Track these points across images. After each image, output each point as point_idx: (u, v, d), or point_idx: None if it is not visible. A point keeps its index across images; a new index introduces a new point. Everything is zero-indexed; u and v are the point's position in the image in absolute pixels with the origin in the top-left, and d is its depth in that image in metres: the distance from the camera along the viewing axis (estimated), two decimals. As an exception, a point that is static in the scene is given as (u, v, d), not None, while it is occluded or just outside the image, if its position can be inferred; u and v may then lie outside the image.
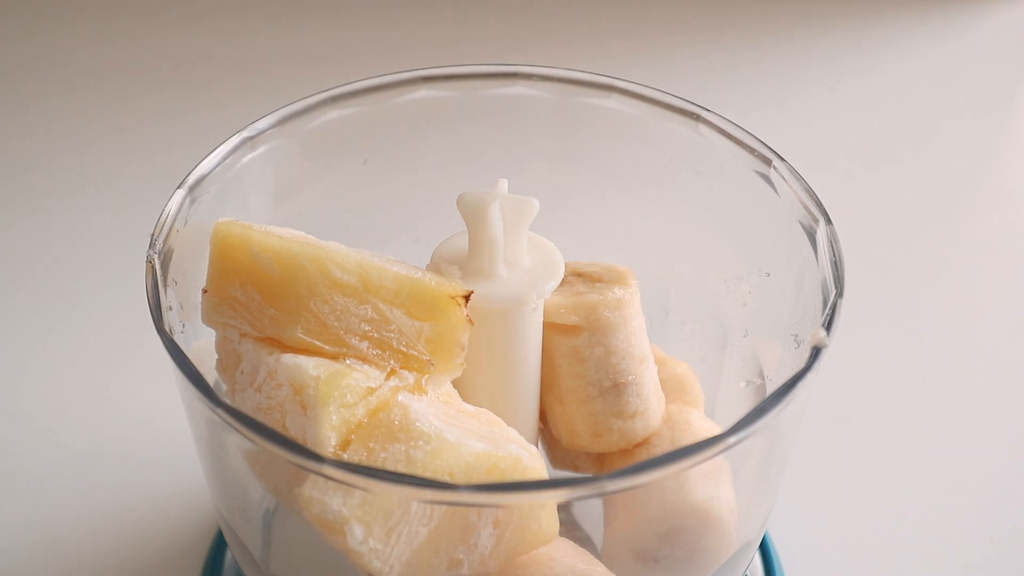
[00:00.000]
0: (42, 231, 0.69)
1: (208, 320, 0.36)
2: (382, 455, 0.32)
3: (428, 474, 0.32)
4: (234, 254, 0.35)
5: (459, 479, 0.33)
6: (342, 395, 0.33)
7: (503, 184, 0.38)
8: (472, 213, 0.38)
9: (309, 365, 0.33)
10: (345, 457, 0.32)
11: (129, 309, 0.62)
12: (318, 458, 0.31)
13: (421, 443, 0.33)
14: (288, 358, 0.33)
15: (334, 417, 0.33)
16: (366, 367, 0.34)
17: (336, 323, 0.34)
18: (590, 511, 0.41)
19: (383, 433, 0.33)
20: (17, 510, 0.52)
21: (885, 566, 0.50)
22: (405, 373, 0.35)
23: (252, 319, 0.35)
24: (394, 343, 0.35)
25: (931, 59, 0.87)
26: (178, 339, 0.37)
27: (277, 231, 0.36)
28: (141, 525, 0.51)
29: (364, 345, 0.35)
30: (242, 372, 0.35)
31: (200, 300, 0.37)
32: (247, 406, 0.35)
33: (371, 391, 0.34)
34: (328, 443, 0.32)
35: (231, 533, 0.41)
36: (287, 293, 0.34)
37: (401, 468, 0.32)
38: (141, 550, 0.50)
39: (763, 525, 0.41)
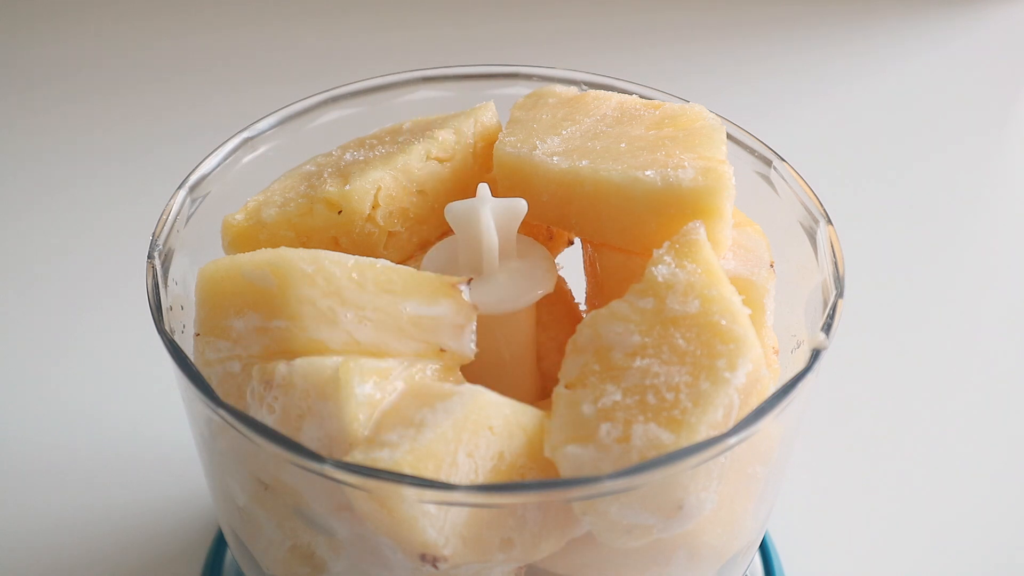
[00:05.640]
0: (43, 231, 0.70)
1: (203, 361, 0.36)
2: (418, 417, 0.32)
3: (469, 427, 0.32)
4: (225, 285, 0.34)
5: (499, 433, 0.32)
6: (363, 378, 0.33)
7: (484, 188, 0.38)
8: (464, 221, 0.38)
9: (325, 360, 0.33)
10: (378, 439, 0.32)
11: (129, 309, 0.62)
12: (318, 458, 0.31)
13: (456, 398, 0.32)
14: (301, 360, 0.33)
15: (358, 393, 0.32)
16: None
17: (344, 319, 0.34)
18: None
19: (414, 403, 0.33)
20: (18, 510, 0.52)
21: (884, 566, 0.51)
22: (419, 361, 0.35)
23: (253, 342, 0.34)
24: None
25: (931, 59, 0.87)
26: (178, 339, 0.37)
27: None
28: (141, 525, 0.51)
29: (375, 338, 0.34)
30: (251, 393, 0.35)
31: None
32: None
33: (391, 371, 0.34)
34: (358, 425, 0.32)
35: (231, 533, 0.41)
36: (288, 299, 0.33)
37: (441, 422, 0.31)
38: (141, 550, 0.50)
39: (763, 525, 0.41)
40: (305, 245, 0.39)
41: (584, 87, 0.45)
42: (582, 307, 0.43)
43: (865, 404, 0.58)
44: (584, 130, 0.40)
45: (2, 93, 0.81)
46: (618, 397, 0.32)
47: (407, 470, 0.30)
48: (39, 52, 0.85)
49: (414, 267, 0.38)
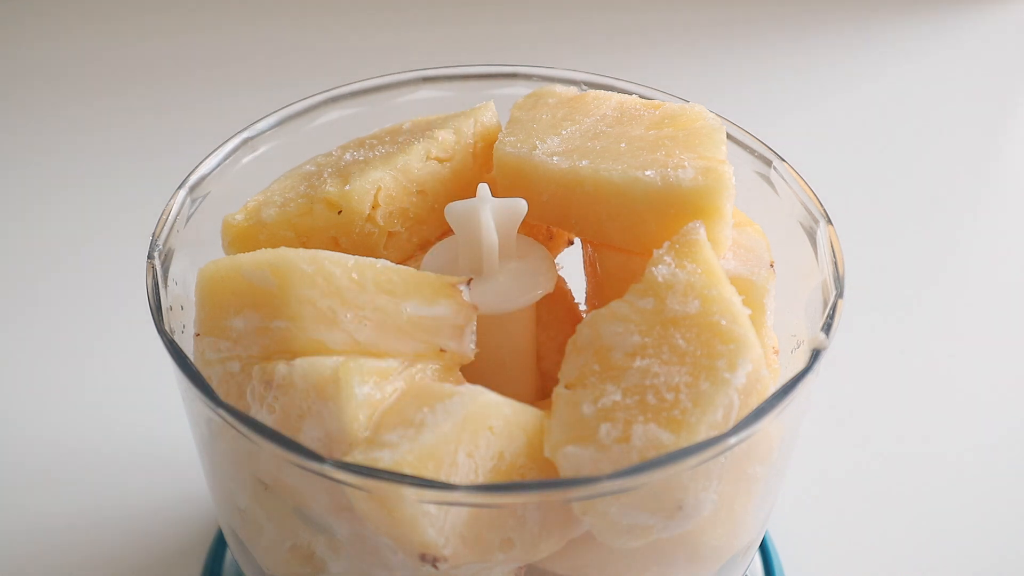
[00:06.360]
0: (43, 231, 0.70)
1: (203, 361, 0.36)
2: (418, 418, 0.32)
3: (470, 428, 0.32)
4: (225, 285, 0.34)
5: (499, 433, 0.32)
6: (363, 378, 0.33)
7: (484, 188, 0.38)
8: (464, 221, 0.38)
9: (325, 360, 0.33)
10: (378, 439, 0.32)
11: (129, 309, 0.62)
12: (318, 458, 0.31)
13: (456, 398, 0.32)
14: (301, 360, 0.33)
15: (358, 393, 0.32)
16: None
17: (343, 319, 0.34)
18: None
19: (414, 404, 0.33)
20: (18, 510, 0.52)
21: (885, 566, 0.51)
22: (419, 361, 0.35)
23: (253, 342, 0.34)
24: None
25: (931, 59, 0.87)
26: (178, 339, 0.37)
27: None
28: (141, 525, 0.51)
29: (375, 338, 0.34)
30: (251, 393, 0.35)
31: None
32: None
33: (391, 371, 0.34)
34: (358, 425, 0.32)
35: (231, 533, 0.41)
36: (289, 299, 0.34)
37: (441, 422, 0.32)
38: (141, 550, 0.50)
39: (763, 525, 0.41)
40: (305, 245, 0.39)
41: (584, 87, 0.45)
42: (582, 307, 0.43)
43: (865, 404, 0.58)
44: (584, 130, 0.40)
45: (2, 93, 0.81)
46: (618, 397, 0.32)
47: (407, 470, 0.30)
48: (39, 52, 0.85)
49: (414, 267, 0.38)
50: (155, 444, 0.55)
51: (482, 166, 0.42)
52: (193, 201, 0.41)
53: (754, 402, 0.33)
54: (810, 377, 0.34)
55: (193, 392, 0.34)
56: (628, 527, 0.33)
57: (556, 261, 0.42)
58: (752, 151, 0.43)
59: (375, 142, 0.42)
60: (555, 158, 0.38)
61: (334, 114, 0.46)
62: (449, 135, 0.41)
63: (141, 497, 0.53)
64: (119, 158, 0.75)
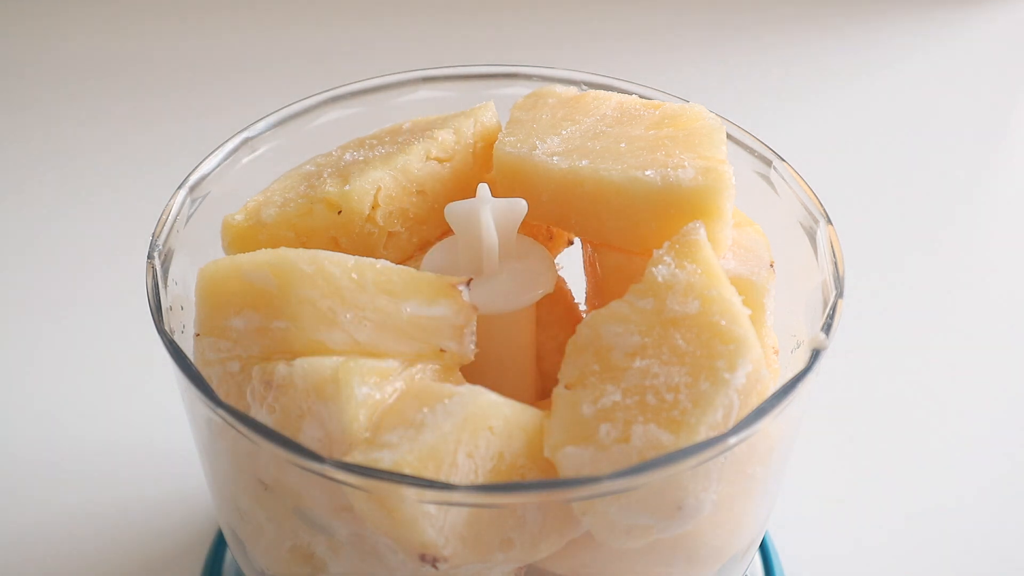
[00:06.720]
0: (43, 232, 0.70)
1: (203, 361, 0.36)
2: (418, 418, 0.32)
3: (469, 427, 0.32)
4: (225, 286, 0.34)
5: (499, 433, 0.32)
6: (363, 378, 0.33)
7: (484, 188, 0.38)
8: (464, 221, 0.38)
9: (324, 361, 0.33)
10: (378, 439, 0.32)
11: (129, 309, 0.62)
12: (318, 458, 0.31)
13: (456, 398, 0.32)
14: (301, 360, 0.33)
15: (357, 393, 0.32)
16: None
17: (343, 319, 0.34)
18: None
19: (414, 404, 0.33)
20: (18, 510, 0.52)
21: (885, 566, 0.51)
22: (419, 362, 0.35)
23: (253, 342, 0.34)
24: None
25: (931, 59, 0.87)
26: (178, 339, 0.37)
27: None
28: (141, 525, 0.51)
29: (375, 338, 0.34)
30: (251, 393, 0.35)
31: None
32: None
33: (391, 372, 0.34)
34: (358, 425, 0.32)
35: (231, 533, 0.41)
36: (289, 300, 0.34)
37: (441, 422, 0.32)
38: (141, 550, 0.50)
39: (763, 525, 0.41)
40: (305, 245, 0.39)
41: (584, 87, 0.45)
42: (582, 307, 0.43)
43: (865, 404, 0.58)
44: (584, 130, 0.40)
45: (2, 93, 0.81)
46: (618, 397, 0.32)
47: (407, 470, 0.30)
48: (39, 52, 0.85)
49: (414, 267, 0.38)
50: (155, 444, 0.55)
51: (482, 166, 0.42)
52: (193, 201, 0.41)
53: (754, 402, 0.33)
54: (810, 377, 0.34)
55: (193, 392, 0.34)
56: (628, 527, 0.33)
57: (556, 261, 0.42)
58: (752, 151, 0.43)
59: (375, 142, 0.42)
60: (555, 158, 0.38)
61: (334, 114, 0.46)
62: (449, 135, 0.41)
63: (141, 497, 0.53)
64: (119, 158, 0.75)
